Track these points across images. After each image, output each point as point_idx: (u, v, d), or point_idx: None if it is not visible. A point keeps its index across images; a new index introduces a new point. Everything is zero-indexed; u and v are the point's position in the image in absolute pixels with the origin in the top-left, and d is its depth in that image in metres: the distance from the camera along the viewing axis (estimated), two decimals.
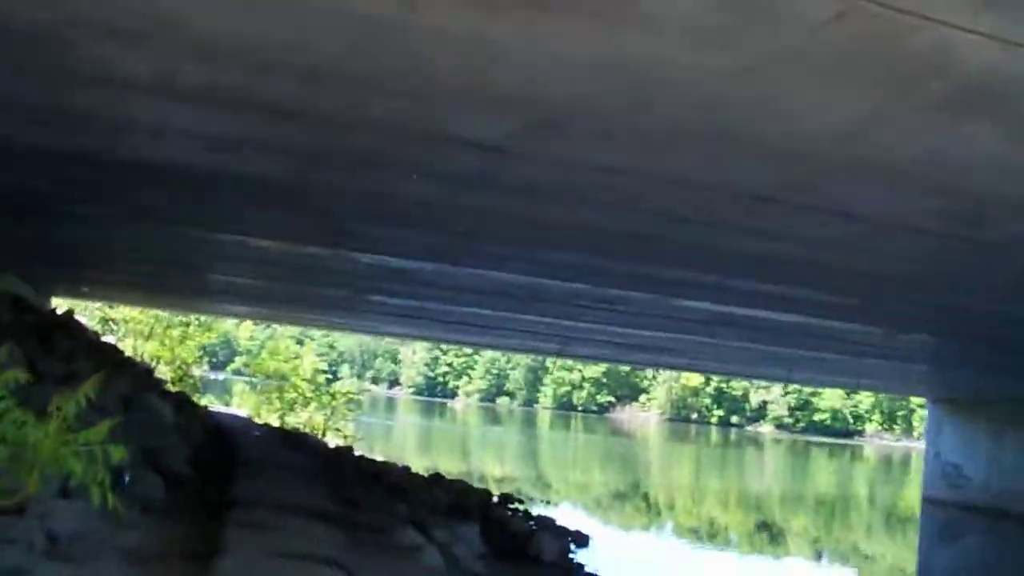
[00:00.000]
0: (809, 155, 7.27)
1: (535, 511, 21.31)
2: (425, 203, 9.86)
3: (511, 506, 21.88)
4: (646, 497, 34.57)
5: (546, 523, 18.36)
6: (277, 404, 33.72)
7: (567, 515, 22.21)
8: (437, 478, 23.18)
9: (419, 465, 30.68)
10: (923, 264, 11.35)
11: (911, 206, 8.56)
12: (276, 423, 31.07)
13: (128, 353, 29.56)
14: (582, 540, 17.52)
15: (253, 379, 36.54)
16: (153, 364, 31.87)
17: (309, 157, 8.51)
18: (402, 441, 53.36)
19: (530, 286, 15.14)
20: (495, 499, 22.27)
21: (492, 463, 43.27)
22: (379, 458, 27.43)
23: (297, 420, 32.46)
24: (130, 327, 34.31)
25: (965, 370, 24.76)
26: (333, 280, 18.18)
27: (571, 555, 15.76)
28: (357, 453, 26.10)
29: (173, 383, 30.90)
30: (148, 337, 33.72)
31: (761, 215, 9.23)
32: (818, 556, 24.45)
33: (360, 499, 13.03)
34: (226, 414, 28.25)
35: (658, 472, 50.32)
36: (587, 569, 14.77)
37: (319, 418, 32.76)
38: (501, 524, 16.75)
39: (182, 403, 19.32)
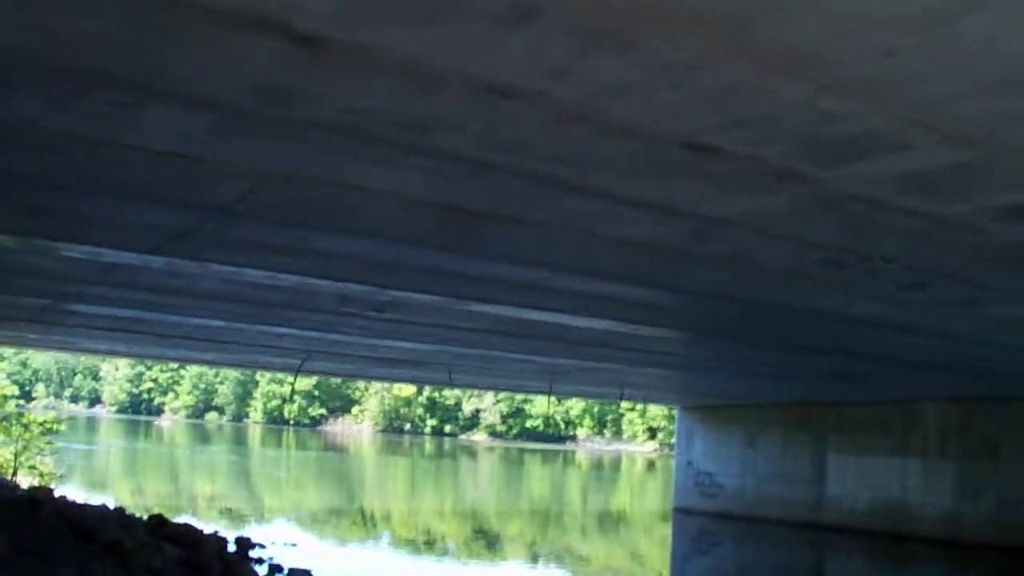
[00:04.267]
0: (831, 64, 4.55)
1: (279, 558, 18.20)
2: (169, 156, 6.51)
3: (252, 554, 18.58)
4: (384, 521, 32.15)
5: None
6: None
7: (312, 556, 19.19)
8: (159, 523, 19.44)
9: (133, 502, 27.01)
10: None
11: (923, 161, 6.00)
12: None
13: None
14: None
15: None
16: None
17: None
18: (109, 471, 48.73)
19: (292, 288, 11.79)
20: (231, 545, 18.91)
21: (213, 493, 39.46)
22: (85, 499, 23.44)
23: None
24: None
25: (716, 376, 23.20)
26: (23, 286, 14.21)
27: None
28: (58, 494, 22.03)
29: None
30: None
31: (678, 176, 6.47)
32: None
33: None
34: None
35: (386, 490, 48.23)
36: None
37: (8, 453, 27.80)
38: None
39: None
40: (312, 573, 15.86)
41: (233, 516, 28.84)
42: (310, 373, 31.09)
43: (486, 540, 28.64)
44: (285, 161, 6.54)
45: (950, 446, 26.40)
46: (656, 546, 30.39)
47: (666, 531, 34.15)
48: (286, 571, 16.49)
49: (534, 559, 24.37)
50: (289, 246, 9.40)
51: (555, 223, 7.90)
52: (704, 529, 32.35)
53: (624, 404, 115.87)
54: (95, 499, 25.03)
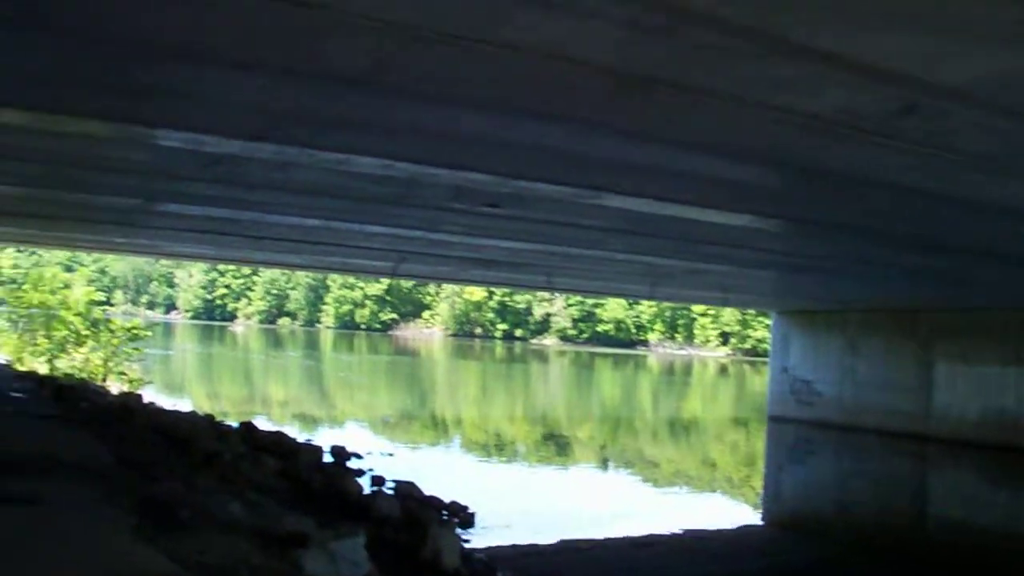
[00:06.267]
0: None
1: (379, 468, 17.41)
2: (291, 6, 5.38)
3: (350, 465, 17.81)
4: (470, 427, 31.42)
5: (411, 495, 14.24)
6: (44, 344, 28.02)
7: (411, 466, 18.39)
8: (250, 432, 18.77)
9: (216, 408, 26.49)
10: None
11: None
12: (44, 368, 25.81)
13: None
14: (466, 518, 13.50)
15: (14, 316, 30.37)
16: None
17: None
18: (190, 376, 48.58)
19: (405, 180, 10.62)
20: (327, 455, 18.18)
21: (294, 399, 38.94)
22: (173, 406, 22.87)
23: (71, 364, 27.03)
24: None
25: (825, 278, 21.99)
26: (113, 184, 13.22)
27: (468, 546, 11.71)
28: (146, 400, 21.45)
29: None
30: None
31: (927, 27, 5.27)
32: (662, 477, 22.10)
33: (172, 501, 8.62)
34: None
35: (464, 395, 47.64)
36: None
37: (97, 358, 27.36)
38: (363, 506, 12.55)
39: None
40: (417, 485, 14.94)
41: (318, 423, 28.25)
42: (403, 276, 30.16)
43: (575, 447, 27.87)
44: (438, 11, 5.40)
45: None
46: (747, 455, 29.38)
47: (751, 439, 33.26)
48: (390, 483, 15.63)
49: (640, 471, 23.52)
50: (414, 127, 8.28)
51: (737, 94, 6.71)
52: (800, 438, 31.36)
53: (696, 308, 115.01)
54: (181, 405, 24.55)
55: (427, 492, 14.58)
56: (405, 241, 17.44)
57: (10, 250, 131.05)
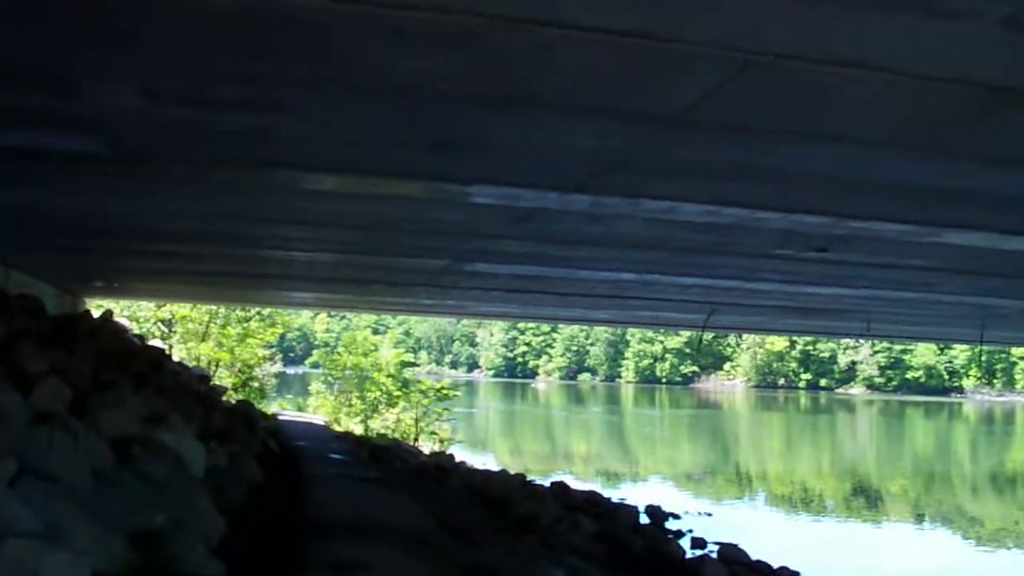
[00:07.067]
0: None
1: (700, 530, 16.77)
2: (621, 37, 4.88)
3: (668, 526, 17.23)
4: (782, 484, 30.32)
5: (738, 560, 13.54)
6: (358, 405, 29.01)
7: (738, 531, 17.59)
8: (563, 491, 18.49)
9: (524, 465, 26.53)
10: None
11: None
12: (358, 429, 26.58)
13: (180, 358, 25.34)
14: None
15: (330, 378, 31.92)
16: (211, 369, 27.41)
17: None
18: (496, 434, 49.33)
19: (729, 227, 9.96)
20: (643, 515, 17.65)
21: (602, 455, 38.80)
22: (483, 464, 23.00)
23: (383, 424, 27.79)
24: (184, 328, 29.64)
25: None
26: (424, 245, 13.22)
27: None
28: (457, 460, 21.64)
29: (235, 389, 26.60)
30: (204, 338, 29.07)
31: None
32: None
33: (496, 570, 8.30)
34: (299, 423, 23.57)
35: (772, 450, 46.23)
36: None
37: (408, 418, 28.05)
38: (687, 572, 11.95)
39: (234, 419, 14.60)
40: (742, 549, 14.18)
41: (626, 480, 27.90)
42: (713, 329, 29.41)
43: (895, 504, 26.47)
44: (774, 32, 4.78)
45: None
46: None
47: None
48: (711, 546, 14.92)
49: (969, 531, 21.93)
50: (742, 167, 7.63)
51: None
52: None
53: (1016, 351, 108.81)
54: (489, 463, 24.69)
55: (753, 555, 13.84)
56: (720, 292, 16.78)
57: (323, 315, 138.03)
